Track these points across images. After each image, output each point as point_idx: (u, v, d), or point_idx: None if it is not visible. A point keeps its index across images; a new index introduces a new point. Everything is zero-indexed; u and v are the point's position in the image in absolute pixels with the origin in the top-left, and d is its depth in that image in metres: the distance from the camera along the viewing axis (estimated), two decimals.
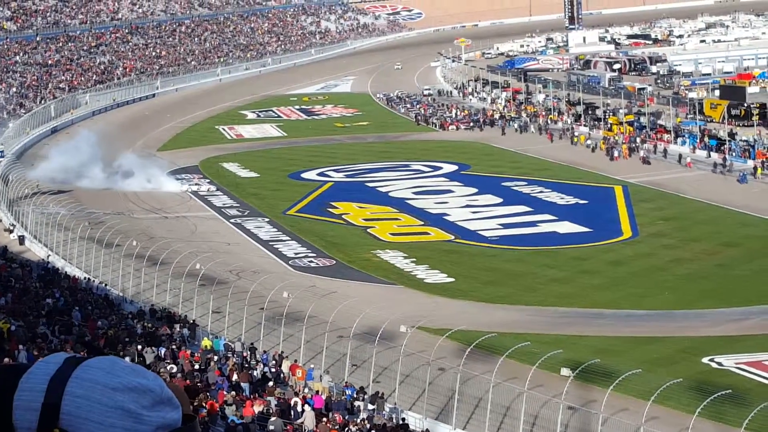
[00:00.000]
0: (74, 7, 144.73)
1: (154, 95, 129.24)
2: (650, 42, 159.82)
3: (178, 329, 42.10)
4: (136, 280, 50.36)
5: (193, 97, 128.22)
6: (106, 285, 49.80)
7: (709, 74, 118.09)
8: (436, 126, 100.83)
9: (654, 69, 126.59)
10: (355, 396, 35.32)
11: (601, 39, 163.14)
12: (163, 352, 36.40)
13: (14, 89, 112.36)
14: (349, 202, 69.74)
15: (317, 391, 35.11)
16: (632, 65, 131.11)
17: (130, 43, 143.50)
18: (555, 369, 35.66)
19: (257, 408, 30.93)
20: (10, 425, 2.28)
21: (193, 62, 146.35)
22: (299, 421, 31.13)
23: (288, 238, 61.39)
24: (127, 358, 29.41)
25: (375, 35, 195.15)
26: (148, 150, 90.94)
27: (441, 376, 37.11)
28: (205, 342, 40.02)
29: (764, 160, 73.44)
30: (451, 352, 38.13)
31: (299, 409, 31.80)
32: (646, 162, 78.40)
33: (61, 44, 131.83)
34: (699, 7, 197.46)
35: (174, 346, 37.95)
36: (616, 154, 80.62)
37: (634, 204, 65.62)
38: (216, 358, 37.25)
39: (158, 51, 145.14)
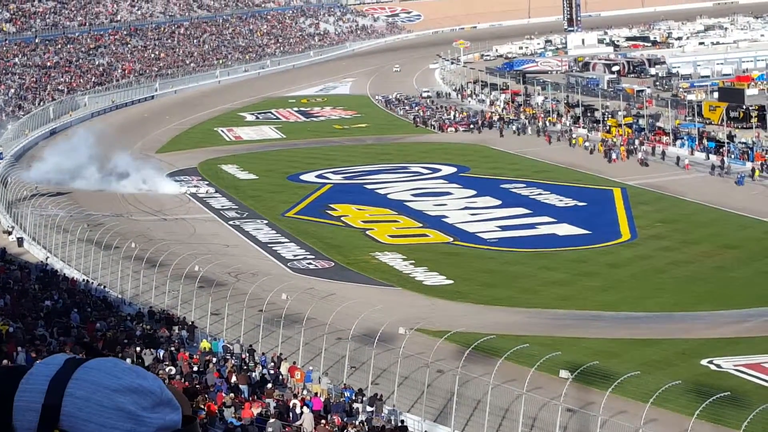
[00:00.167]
0: (73, 8, 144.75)
1: (153, 97, 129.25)
2: (649, 44, 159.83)
3: (176, 331, 42.10)
4: (134, 282, 50.37)
5: (191, 98, 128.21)
6: (104, 287, 49.78)
7: (708, 76, 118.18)
8: (434, 128, 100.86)
9: (653, 71, 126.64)
10: (353, 398, 35.32)
11: (600, 41, 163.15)
12: (161, 353, 36.39)
13: (13, 91, 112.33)
14: (348, 204, 69.74)
15: (316, 393, 35.12)
16: (631, 67, 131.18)
17: (129, 45, 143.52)
18: (554, 371, 35.66)
19: (256, 410, 30.92)
20: (10, 426, 2.28)
21: (192, 64, 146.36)
22: (298, 423, 31.13)
23: (287, 240, 61.39)
24: (127, 360, 29.40)
25: (374, 37, 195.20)
26: (146, 152, 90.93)
27: (440, 378, 37.12)
28: (204, 344, 40.02)
29: (763, 162, 73.49)
30: (449, 354, 38.14)
31: (298, 411, 31.81)
32: (644, 164, 78.47)
33: (60, 46, 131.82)
34: (698, 9, 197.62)
35: (173, 348, 37.95)
36: (614, 156, 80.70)
37: (632, 206, 65.64)
38: (215, 359, 37.24)
39: (157, 53, 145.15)
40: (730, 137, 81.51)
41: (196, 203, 72.50)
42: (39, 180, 74.04)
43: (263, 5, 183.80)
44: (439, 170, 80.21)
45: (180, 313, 45.80)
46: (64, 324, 39.14)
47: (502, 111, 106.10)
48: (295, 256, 57.90)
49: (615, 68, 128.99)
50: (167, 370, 33.12)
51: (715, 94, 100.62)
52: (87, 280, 50.61)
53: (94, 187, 74.73)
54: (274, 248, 59.66)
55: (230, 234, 63.70)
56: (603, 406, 31.50)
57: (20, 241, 59.02)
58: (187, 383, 31.78)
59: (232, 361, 37.55)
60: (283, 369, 37.95)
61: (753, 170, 72.18)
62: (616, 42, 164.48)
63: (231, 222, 66.60)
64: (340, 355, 39.47)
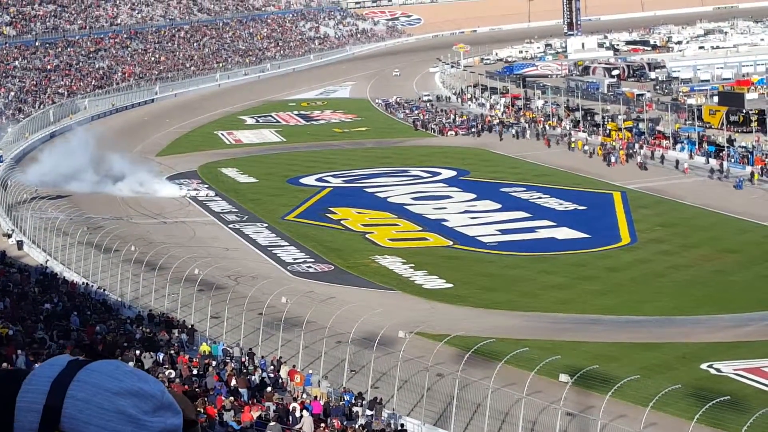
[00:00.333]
0: (73, 12, 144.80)
1: (152, 100, 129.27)
2: (649, 48, 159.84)
3: (176, 334, 42.09)
4: (134, 285, 50.37)
5: (192, 102, 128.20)
6: (104, 290, 49.78)
7: (708, 80, 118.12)
8: (434, 132, 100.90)
9: (653, 75, 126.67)
10: (353, 401, 35.32)
11: (600, 45, 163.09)
12: (161, 357, 36.39)
13: (13, 94, 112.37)
14: (348, 208, 69.75)
15: (315, 397, 35.12)
16: (631, 71, 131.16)
17: (129, 48, 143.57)
18: (553, 375, 35.65)
19: (255, 413, 30.92)
20: (11, 427, 2.28)
21: (192, 67, 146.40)
22: (297, 426, 31.12)
23: (286, 243, 61.41)
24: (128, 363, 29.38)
25: (374, 41, 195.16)
26: (147, 155, 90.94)
27: (439, 381, 37.11)
28: (204, 347, 40.02)
29: (763, 166, 73.53)
30: (449, 357, 38.15)
31: (297, 414, 31.81)
32: (643, 168, 78.50)
33: (60, 49, 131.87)
34: (698, 13, 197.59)
35: (172, 352, 37.96)
36: (613, 159, 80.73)
37: (632, 210, 65.64)
38: (214, 363, 37.24)
39: (157, 56, 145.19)
40: (730, 141, 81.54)
41: (196, 206, 72.50)
42: (35, 182, 73.89)
43: (263, 9, 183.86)
44: (439, 174, 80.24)
45: (180, 316, 45.80)
46: (63, 327, 39.14)
47: (503, 115, 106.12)
48: (294, 259, 57.91)
49: (615, 72, 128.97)
50: (167, 373, 33.10)
51: (715, 98, 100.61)
52: (87, 283, 50.62)
53: (89, 190, 74.39)
54: (273, 251, 59.67)
55: (230, 237, 63.70)
56: (603, 410, 31.51)
57: (20, 244, 59.02)
58: (186, 386, 31.76)
59: (232, 365, 37.54)
60: (283, 372, 37.95)
61: (752, 174, 72.20)
62: (616, 46, 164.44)
63: (231, 225, 66.60)
64: (339, 359, 39.47)
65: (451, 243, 60.12)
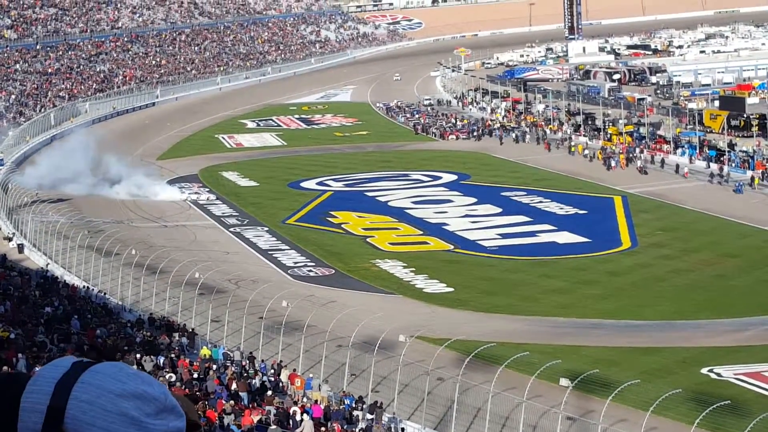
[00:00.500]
0: (74, 15, 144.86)
1: (153, 104, 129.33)
2: (650, 52, 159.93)
3: (177, 338, 42.09)
4: (135, 288, 50.36)
5: (192, 105, 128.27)
6: (105, 293, 49.80)
7: (709, 85, 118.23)
8: (435, 136, 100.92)
9: (654, 79, 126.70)
10: (353, 405, 35.31)
11: (601, 49, 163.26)
12: (162, 360, 36.38)
13: (14, 97, 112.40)
14: (349, 212, 69.75)
15: (316, 401, 35.11)
16: (632, 75, 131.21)
17: (130, 52, 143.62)
18: (554, 379, 35.64)
19: (256, 417, 30.91)
20: (15, 428, 2.30)
21: (192, 71, 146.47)
22: (298, 430, 31.10)
23: (287, 247, 61.41)
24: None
25: (375, 45, 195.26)
26: (147, 158, 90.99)
27: (440, 385, 37.11)
28: (204, 351, 40.02)
29: (763, 170, 73.52)
30: (450, 361, 38.14)
31: (298, 418, 31.78)
32: (644, 172, 78.53)
33: (61, 53, 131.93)
34: (699, 17, 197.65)
35: (173, 355, 37.95)
36: (613, 163, 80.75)
37: (633, 214, 65.64)
38: (215, 367, 37.24)
39: (158, 59, 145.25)
40: (731, 146, 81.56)
41: (196, 210, 72.51)
42: (32, 185, 73.81)
43: (264, 12, 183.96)
44: (440, 178, 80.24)
45: (180, 320, 45.80)
46: (64, 330, 39.15)
47: (503, 119, 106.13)
48: (295, 263, 57.91)
49: (616, 76, 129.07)
50: (167, 377, 33.10)
51: (716, 103, 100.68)
52: (87, 287, 50.62)
53: (86, 192, 74.24)
54: (274, 255, 59.67)
55: (231, 241, 63.70)
56: (603, 415, 31.49)
57: (21, 248, 59.03)
58: (187, 390, 31.76)
59: (233, 368, 37.54)
60: (283, 376, 37.94)
61: (752, 178, 72.21)
62: (617, 50, 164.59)
63: (231, 229, 66.61)
64: (340, 363, 39.46)
65: (452, 247, 60.12)
